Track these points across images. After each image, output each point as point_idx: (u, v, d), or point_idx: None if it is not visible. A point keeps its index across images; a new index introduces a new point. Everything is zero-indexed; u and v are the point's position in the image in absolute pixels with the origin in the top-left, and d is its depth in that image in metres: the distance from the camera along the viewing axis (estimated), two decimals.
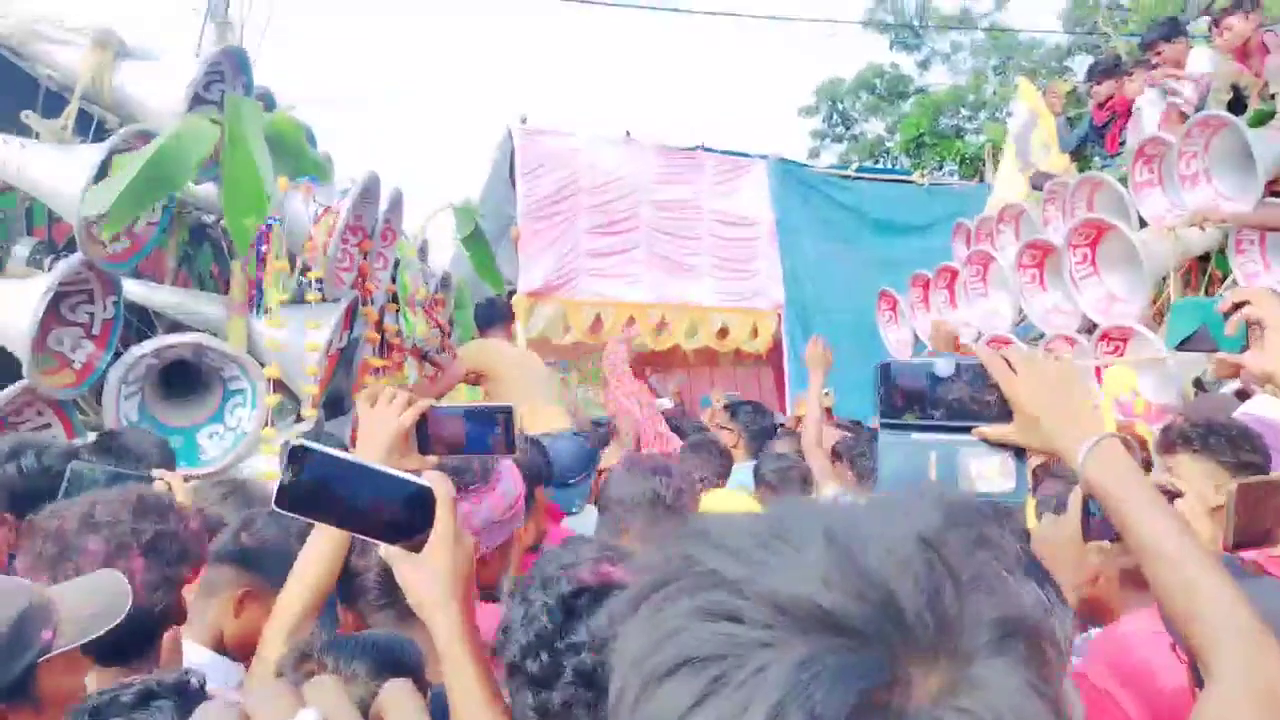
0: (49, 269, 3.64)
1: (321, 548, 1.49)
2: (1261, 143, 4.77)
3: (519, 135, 9.76)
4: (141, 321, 4.08)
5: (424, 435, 1.47)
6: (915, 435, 1.21)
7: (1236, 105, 5.25)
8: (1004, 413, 1.19)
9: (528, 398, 4.79)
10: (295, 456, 1.18)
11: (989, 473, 1.20)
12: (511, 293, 8.72)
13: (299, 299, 4.09)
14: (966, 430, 1.20)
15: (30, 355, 3.22)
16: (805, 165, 11.80)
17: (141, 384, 3.65)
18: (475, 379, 5.27)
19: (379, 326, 4.73)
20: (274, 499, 1.19)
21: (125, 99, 3.83)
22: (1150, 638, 1.50)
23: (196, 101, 3.79)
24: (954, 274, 6.71)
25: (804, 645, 0.49)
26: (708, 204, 10.46)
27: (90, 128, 3.87)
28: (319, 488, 1.18)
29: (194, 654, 1.70)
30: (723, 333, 10.37)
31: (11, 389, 3.27)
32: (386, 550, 1.19)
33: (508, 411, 1.47)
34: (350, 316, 4.34)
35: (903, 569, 0.51)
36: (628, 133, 10.44)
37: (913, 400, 1.21)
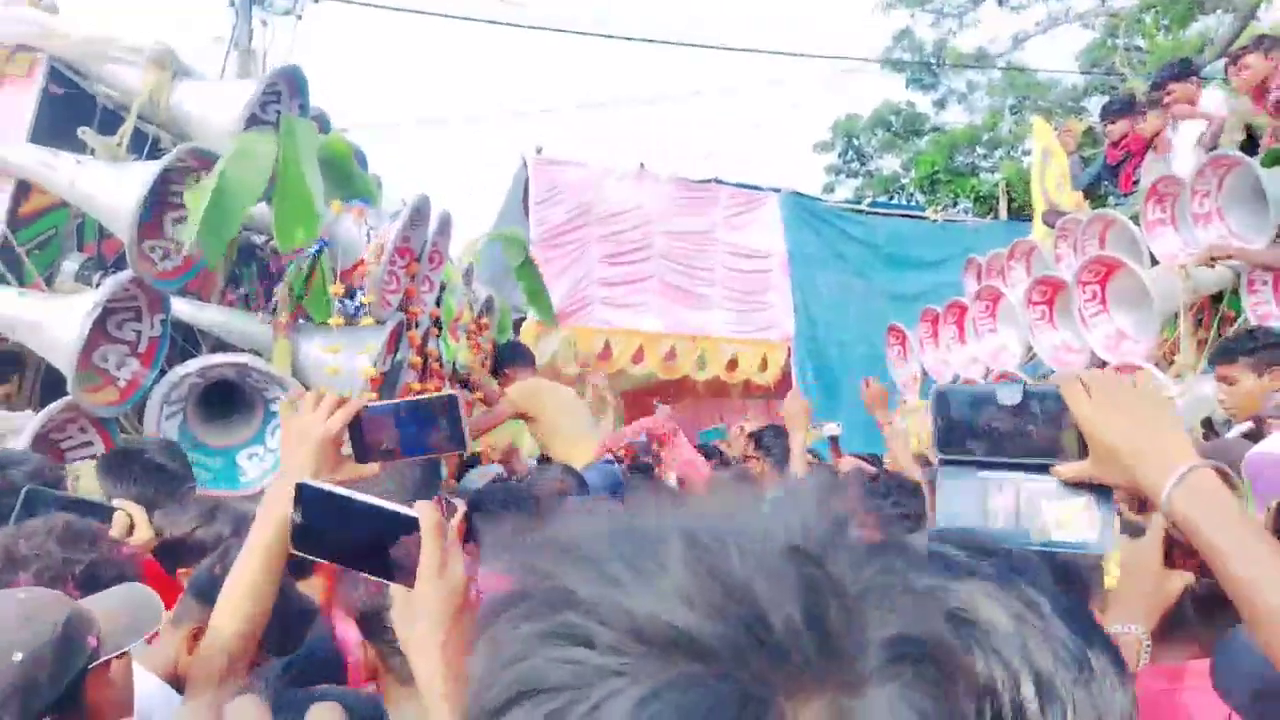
0: (98, 285, 3.65)
1: (244, 570, 1.36)
2: (1275, 183, 4.74)
3: (533, 165, 9.86)
4: (186, 340, 4.07)
5: (360, 441, 1.34)
6: (981, 472, 1.06)
7: (1250, 145, 5.22)
8: (1084, 448, 1.03)
9: (574, 441, 4.84)
10: (298, 495, 1.15)
11: (1068, 519, 1.05)
12: (521, 320, 8.74)
13: (349, 321, 4.09)
14: (1041, 469, 1.05)
15: (74, 372, 3.21)
16: (818, 199, 11.84)
17: (183, 403, 3.63)
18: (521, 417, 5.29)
19: (421, 350, 4.73)
20: (290, 541, 1.16)
21: (181, 117, 3.85)
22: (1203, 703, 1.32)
23: (253, 121, 3.82)
24: (963, 309, 6.68)
25: (658, 674, 0.42)
26: (721, 236, 10.51)
27: (145, 146, 3.90)
28: (322, 526, 1.14)
29: (143, 681, 1.63)
30: (732, 364, 10.37)
31: (54, 406, 3.25)
32: (392, 589, 1.13)
33: (451, 401, 1.32)
34: (395, 340, 4.33)
35: (775, 582, 0.45)
36: (642, 164, 10.52)
37: (974, 432, 1.06)
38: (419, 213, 4.36)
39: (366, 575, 1.18)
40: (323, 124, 4.46)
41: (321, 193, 3.76)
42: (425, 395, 1.34)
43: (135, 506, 1.94)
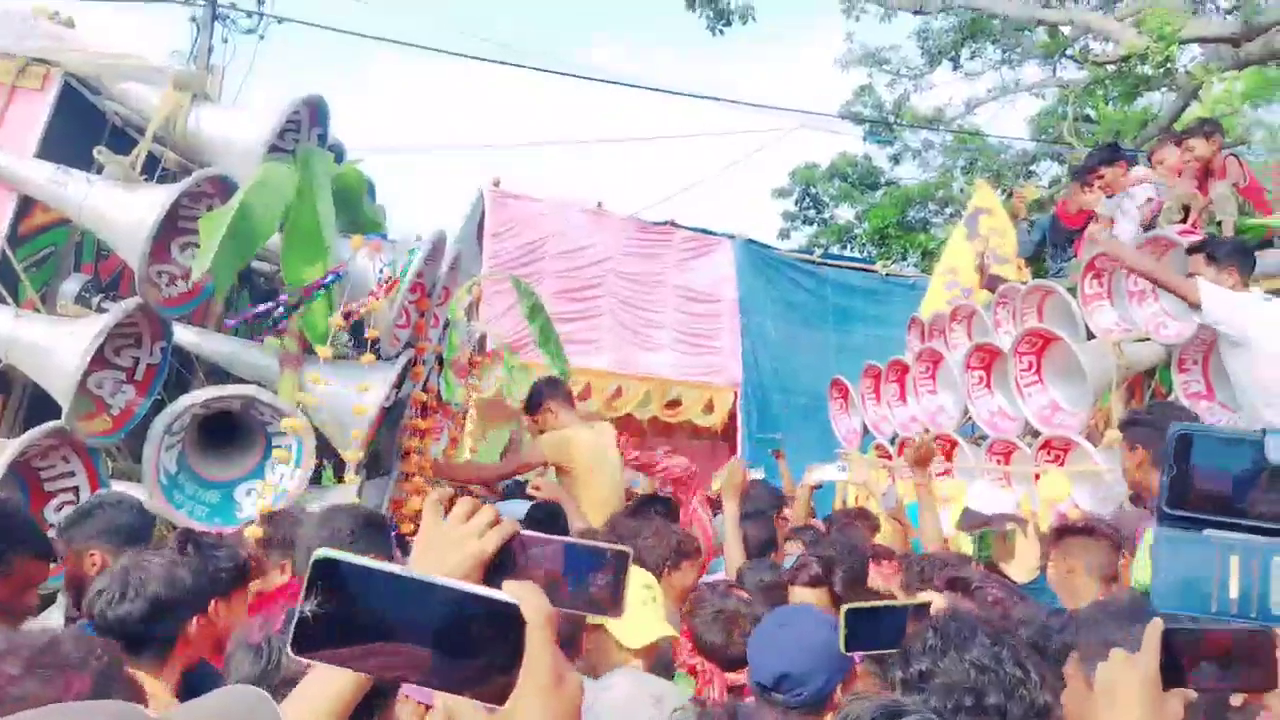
0: (98, 307, 3.55)
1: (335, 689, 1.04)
2: None
3: (490, 197, 9.83)
4: (182, 367, 3.94)
5: (500, 569, 1.05)
6: (1208, 532, 0.92)
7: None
8: None
9: (603, 499, 4.65)
10: (320, 574, 0.80)
11: None
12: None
13: (351, 356, 3.96)
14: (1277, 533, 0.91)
15: (71, 399, 3.08)
16: (770, 247, 11.97)
17: (183, 434, 3.50)
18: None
19: (424, 388, 4.63)
20: (291, 640, 0.79)
21: (199, 142, 3.73)
22: None
23: (271, 149, 3.72)
24: (905, 369, 6.76)
25: None
26: (672, 278, 10.57)
27: (156, 168, 3.78)
28: (354, 616, 0.80)
29: None
30: (674, 404, 10.36)
31: (38, 430, 3.10)
32: (452, 704, 0.84)
33: (622, 559, 1.05)
34: (401, 375, 4.22)
35: None
36: (599, 203, 10.56)
37: (1221, 488, 0.91)
38: (435, 249, 4.27)
39: (423, 687, 0.83)
40: (338, 154, 4.38)
41: (334, 227, 3.68)
42: (599, 544, 1.07)
43: None
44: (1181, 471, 0.91)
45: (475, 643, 0.80)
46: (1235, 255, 4.24)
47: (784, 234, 19.47)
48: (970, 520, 4.39)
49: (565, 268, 10.06)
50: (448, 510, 1.07)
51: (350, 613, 0.80)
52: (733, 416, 10.52)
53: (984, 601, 2.34)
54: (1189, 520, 0.92)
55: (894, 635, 1.86)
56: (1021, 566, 3.20)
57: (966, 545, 4.66)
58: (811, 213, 19.99)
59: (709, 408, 10.52)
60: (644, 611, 2.51)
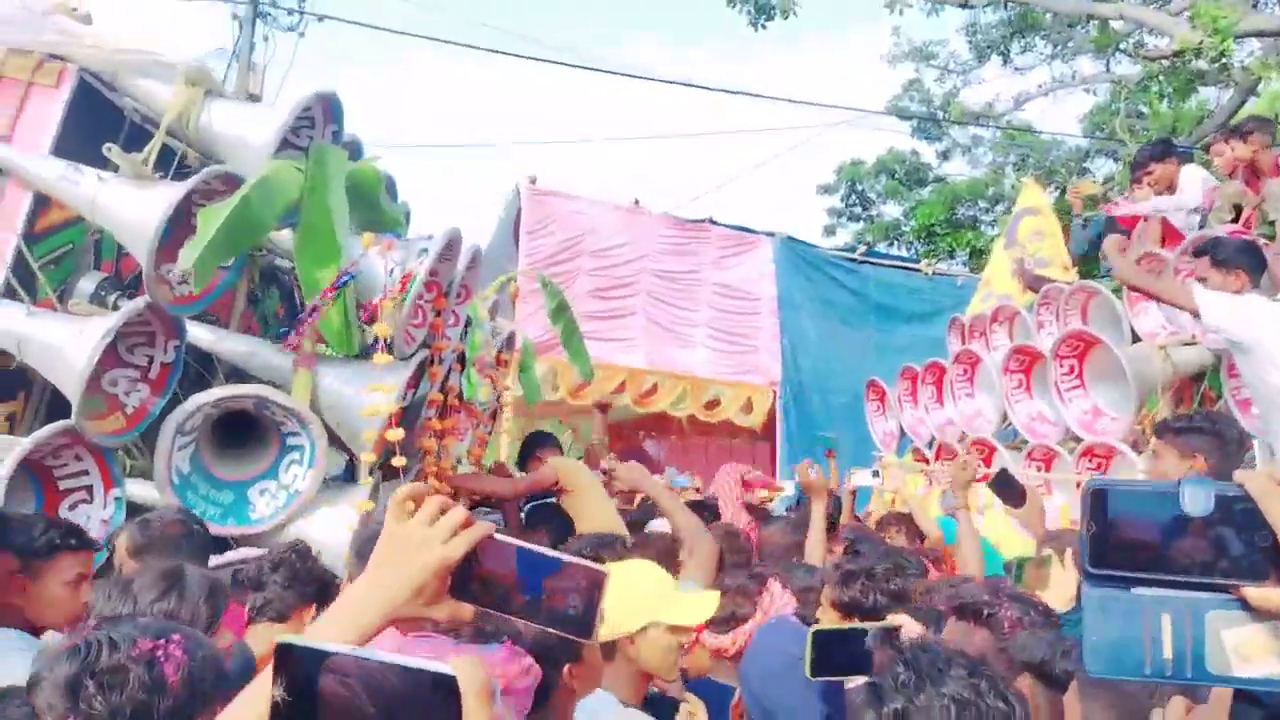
0: (115, 305, 3.55)
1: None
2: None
3: (526, 194, 9.81)
4: (202, 366, 3.94)
5: (465, 573, 0.99)
6: (1136, 590, 0.87)
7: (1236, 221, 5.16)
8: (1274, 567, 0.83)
9: (607, 519, 4.68)
10: (283, 660, 0.83)
11: (1252, 649, 0.84)
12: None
13: (365, 355, 3.94)
14: (1213, 587, 0.85)
15: (80, 399, 3.07)
16: (811, 245, 11.79)
17: (196, 434, 3.49)
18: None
19: (442, 387, 4.60)
20: None
21: (211, 137, 3.73)
22: None
23: (284, 146, 3.69)
24: (942, 371, 6.58)
25: None
26: (710, 276, 10.46)
27: (171, 164, 3.77)
28: (316, 699, 0.83)
29: None
30: (712, 404, 10.26)
31: (47, 430, 3.08)
32: None
33: (598, 580, 0.98)
34: (417, 375, 4.17)
35: None
36: (636, 200, 10.48)
37: (1144, 543, 0.87)
38: (450, 247, 4.20)
39: None
40: (355, 151, 4.34)
41: (346, 224, 3.65)
42: (575, 559, 1.00)
43: None
44: (1101, 527, 0.87)
45: (423, 716, 0.82)
46: (1241, 255, 4.05)
47: (829, 230, 19.26)
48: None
49: (601, 265, 10.00)
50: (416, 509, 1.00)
51: (314, 695, 0.82)
52: (772, 416, 10.39)
53: (999, 629, 2.15)
54: (1115, 579, 0.87)
55: (859, 660, 1.75)
56: (1058, 595, 3.04)
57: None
58: (858, 209, 19.71)
59: (748, 407, 10.40)
60: (683, 593, 2.41)
